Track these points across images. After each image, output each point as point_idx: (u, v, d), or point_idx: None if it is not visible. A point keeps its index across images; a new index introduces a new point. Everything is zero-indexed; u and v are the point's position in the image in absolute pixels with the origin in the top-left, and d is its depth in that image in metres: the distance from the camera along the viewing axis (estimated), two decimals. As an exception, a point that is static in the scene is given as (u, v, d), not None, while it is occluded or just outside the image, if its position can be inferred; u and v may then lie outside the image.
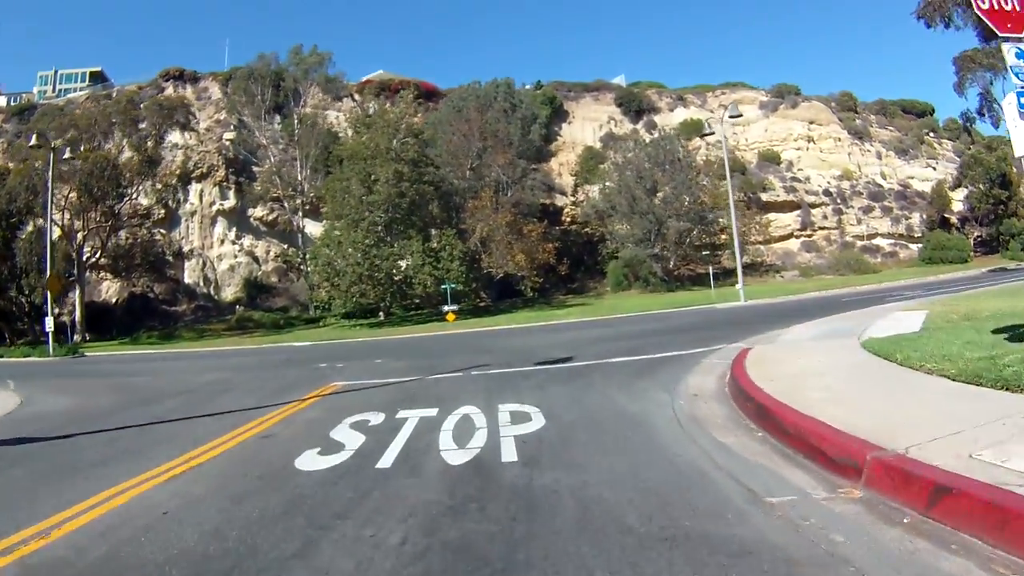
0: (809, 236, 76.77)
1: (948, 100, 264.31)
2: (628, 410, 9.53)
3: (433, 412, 10.10)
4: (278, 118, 64.45)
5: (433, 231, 50.16)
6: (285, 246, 63.40)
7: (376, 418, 9.94)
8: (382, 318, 50.47)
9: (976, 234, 78.88)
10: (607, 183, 66.53)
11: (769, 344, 14.47)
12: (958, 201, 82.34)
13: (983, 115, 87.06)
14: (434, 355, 21.59)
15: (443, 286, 44.09)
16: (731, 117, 39.68)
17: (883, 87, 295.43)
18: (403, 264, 48.74)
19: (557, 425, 8.72)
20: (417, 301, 52.37)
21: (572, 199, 73.52)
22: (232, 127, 64.57)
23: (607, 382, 12.29)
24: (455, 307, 42.56)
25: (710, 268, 50.84)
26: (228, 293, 61.79)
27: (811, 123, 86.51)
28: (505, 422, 9.01)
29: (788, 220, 75.48)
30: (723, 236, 66.90)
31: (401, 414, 10.10)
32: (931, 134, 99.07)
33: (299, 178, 60.84)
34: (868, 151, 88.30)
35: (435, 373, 15.50)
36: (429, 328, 39.38)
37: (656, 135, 68.88)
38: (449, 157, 58.38)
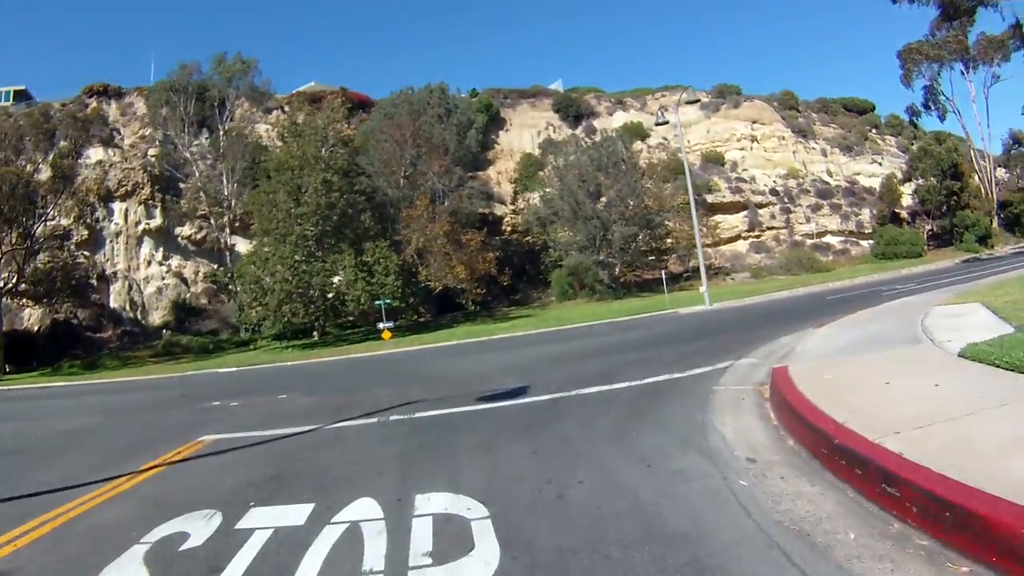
0: (758, 237, 77.17)
1: (888, 98, 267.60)
2: (652, 507, 6.01)
3: (301, 516, 6.71)
4: (206, 132, 62.41)
5: (367, 244, 48.16)
6: (215, 266, 61.00)
7: (202, 530, 6.57)
8: (316, 338, 49.40)
9: (927, 227, 78.86)
10: (548, 189, 65.14)
11: (805, 359, 11.48)
12: (908, 195, 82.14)
13: (929, 108, 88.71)
14: (355, 386, 19.16)
15: (377, 302, 41.84)
16: (687, 103, 38.04)
17: (823, 87, 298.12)
18: (336, 280, 47.07)
19: (524, 564, 5.10)
20: (352, 319, 50.67)
21: (512, 207, 72.94)
22: (157, 142, 61.92)
23: (590, 433, 9.05)
24: (391, 324, 40.64)
25: (662, 273, 50.21)
26: (156, 317, 59.71)
27: (754, 123, 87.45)
28: (422, 551, 5.51)
29: (735, 221, 75.37)
30: (669, 240, 66.77)
31: (247, 520, 6.76)
32: (874, 131, 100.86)
33: (225, 193, 59.20)
34: (813, 149, 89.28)
35: (342, 418, 12.47)
36: (364, 348, 38.12)
37: (597, 138, 66.89)
38: (381, 166, 57.32)
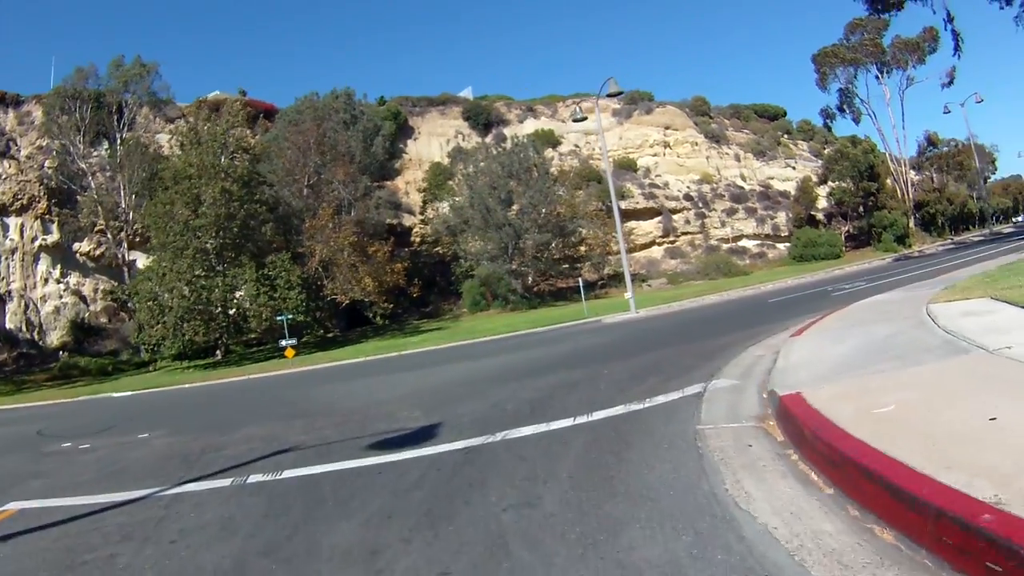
0: (672, 242, 77.71)
1: (798, 105, 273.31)
2: None
3: None
4: (106, 143, 59.54)
5: (269, 257, 46.99)
6: (115, 283, 58.23)
7: None
8: (219, 357, 47.96)
9: (844, 229, 79.79)
10: (457, 198, 64.34)
11: (812, 380, 8.62)
12: (823, 197, 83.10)
13: (843, 111, 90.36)
14: (233, 419, 16.35)
15: (279, 317, 40.39)
16: (610, 95, 36.51)
17: (735, 93, 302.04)
18: (238, 296, 45.70)
19: None
20: (257, 336, 48.87)
21: (421, 217, 72.54)
22: (54, 153, 58.97)
23: (536, 526, 5.78)
24: (294, 341, 39.48)
25: (580, 280, 48.45)
26: (54, 338, 57.08)
27: (667, 128, 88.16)
28: None
29: (649, 227, 75.53)
30: (583, 248, 66.20)
31: None
32: (786, 136, 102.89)
33: (123, 206, 56.57)
34: (726, 154, 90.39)
35: (191, 476, 9.57)
36: (266, 367, 36.80)
37: (508, 145, 65.77)
38: (284, 175, 56.01)
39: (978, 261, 33.59)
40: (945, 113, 70.56)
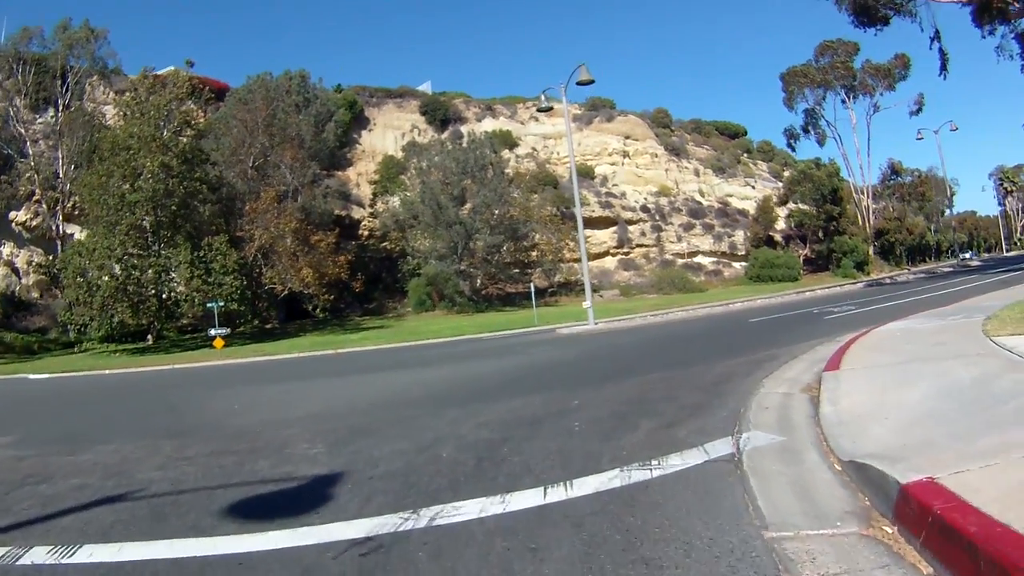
0: (627, 254, 77.08)
1: (758, 125, 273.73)
2: None
3: None
4: (52, 110, 56.12)
5: (207, 239, 43.68)
6: (51, 256, 54.94)
7: None
8: (150, 343, 46.11)
9: (803, 252, 78.86)
10: (407, 193, 62.05)
11: (932, 451, 5.47)
12: (782, 219, 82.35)
13: (808, 132, 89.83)
14: (92, 430, 13.25)
15: (209, 304, 38.27)
16: (580, 83, 33.94)
17: (696, 109, 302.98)
18: (171, 277, 42.84)
19: None
20: (186, 322, 46.48)
21: (371, 211, 70.61)
22: (-2, 117, 55.87)
23: None
24: (224, 331, 37.28)
25: (531, 286, 47.21)
26: (-19, 311, 53.33)
27: (627, 138, 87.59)
28: None
29: (604, 237, 74.40)
30: (534, 253, 63.70)
31: None
32: (746, 155, 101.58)
33: (61, 175, 53.61)
34: (686, 168, 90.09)
35: None
36: (193, 357, 35.35)
37: (465, 141, 63.84)
38: (230, 154, 53.47)
39: (973, 291, 30.52)
40: (918, 140, 69.89)
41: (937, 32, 46.44)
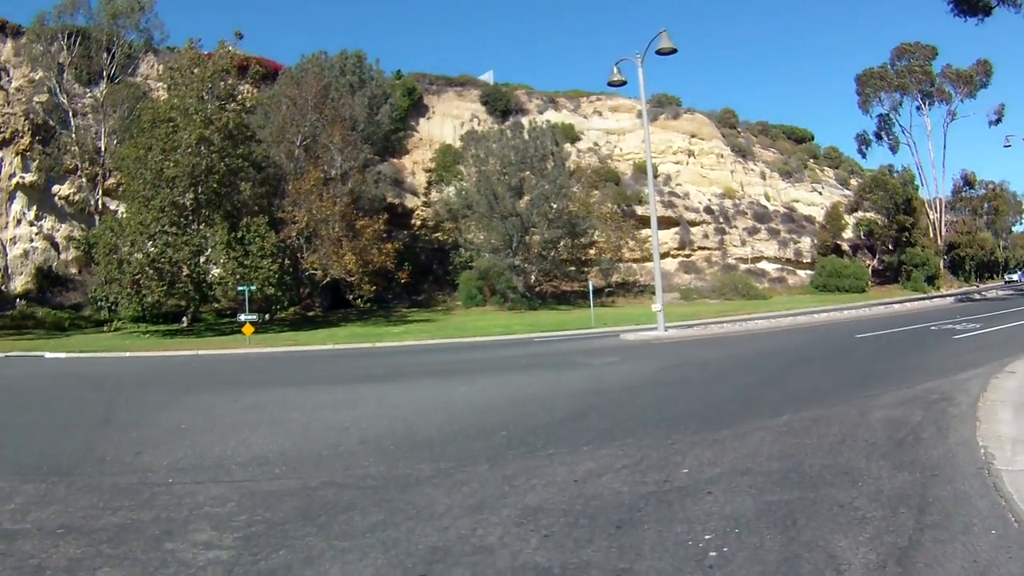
0: (688, 256, 73.39)
1: (824, 131, 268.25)
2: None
3: None
4: (103, 85, 53.82)
5: (245, 219, 41.08)
6: (89, 231, 52.44)
7: None
8: (184, 325, 43.49)
9: (870, 263, 74.93)
10: (462, 181, 58.48)
11: None
12: (850, 227, 78.62)
13: (881, 138, 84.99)
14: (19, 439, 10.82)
15: (240, 288, 35.60)
16: (659, 52, 28.60)
17: (763, 111, 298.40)
18: (203, 258, 40.14)
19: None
20: (225, 305, 43.68)
21: (424, 200, 67.51)
22: (46, 89, 53.34)
23: None
24: (253, 317, 33.95)
25: (589, 284, 42.70)
26: (18, 284, 51.89)
27: (692, 136, 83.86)
28: None
29: (665, 238, 70.45)
30: (592, 251, 60.28)
31: None
32: (812, 160, 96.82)
33: (103, 148, 51.58)
34: (752, 170, 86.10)
35: None
36: (223, 343, 33.15)
37: (526, 130, 60.37)
38: (278, 132, 49.67)
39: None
40: (1005, 147, 65.30)
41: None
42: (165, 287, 39.10)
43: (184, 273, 40.17)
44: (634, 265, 66.47)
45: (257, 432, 10.37)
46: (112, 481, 7.66)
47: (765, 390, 12.98)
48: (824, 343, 22.39)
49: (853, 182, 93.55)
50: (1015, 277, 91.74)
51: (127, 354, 29.45)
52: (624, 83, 30.59)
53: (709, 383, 14.45)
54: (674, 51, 28.08)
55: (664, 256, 71.55)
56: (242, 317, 33.90)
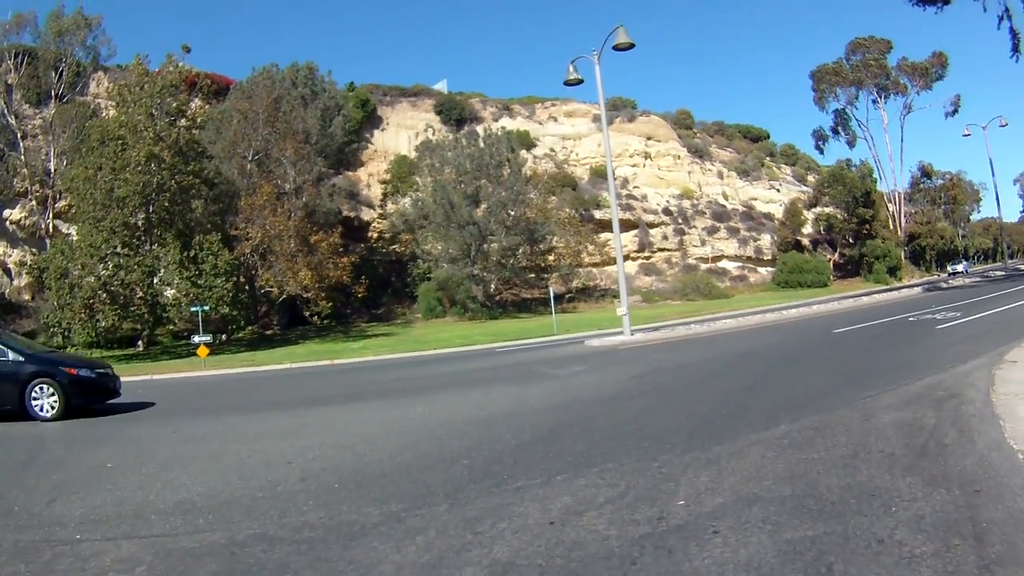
0: (648, 258, 74.12)
1: (779, 129, 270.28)
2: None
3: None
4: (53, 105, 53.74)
5: (198, 238, 40.86)
6: (41, 255, 51.84)
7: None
8: (140, 349, 42.68)
9: (831, 257, 75.69)
10: (418, 192, 58.34)
11: None
12: (810, 222, 79.35)
13: (838, 133, 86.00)
14: None
15: (193, 308, 35.61)
16: (616, 48, 28.34)
17: (718, 111, 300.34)
18: (157, 279, 39.90)
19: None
20: (182, 327, 43.61)
21: (381, 212, 67.29)
22: (-7, 110, 53.16)
23: None
24: (207, 338, 33.63)
25: (550, 291, 43.16)
26: (-31, 313, 50.40)
27: (648, 138, 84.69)
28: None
29: (625, 240, 69.59)
30: (551, 257, 60.41)
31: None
32: (769, 158, 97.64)
33: (52, 170, 51.23)
34: (709, 170, 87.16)
35: None
36: (175, 367, 32.58)
37: (481, 137, 60.37)
38: (229, 147, 49.59)
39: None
40: (965, 136, 65.83)
41: (1007, 10, 42.31)
42: (119, 311, 38.60)
43: (138, 295, 39.68)
44: (594, 269, 66.85)
45: (189, 470, 9.30)
46: (14, 539, 6.64)
47: (751, 396, 12.06)
48: (801, 340, 21.99)
49: (810, 178, 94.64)
50: (959, 268, 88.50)
51: (83, 381, 28.80)
52: (580, 81, 30.46)
53: (688, 390, 13.55)
54: (632, 46, 27.95)
55: (624, 259, 71.75)
56: (196, 339, 33.57)
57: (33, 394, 14.87)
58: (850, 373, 13.52)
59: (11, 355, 15.15)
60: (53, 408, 14.87)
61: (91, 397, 16.11)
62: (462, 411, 13.08)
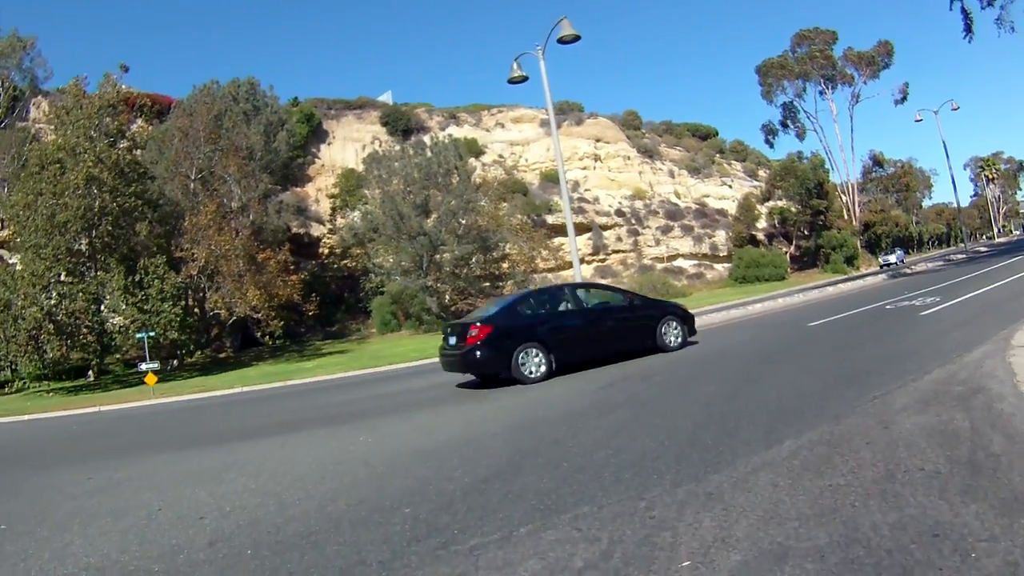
0: (603, 261, 75.16)
1: (728, 126, 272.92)
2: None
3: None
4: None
5: (143, 261, 40.82)
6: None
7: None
8: (92, 379, 42.28)
9: (787, 250, 76.52)
10: (366, 205, 58.08)
11: None
12: (764, 216, 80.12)
13: (787, 126, 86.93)
14: None
15: (139, 335, 35.27)
16: (561, 41, 27.81)
17: (666, 111, 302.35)
18: (103, 307, 40.03)
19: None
20: (134, 355, 42.71)
21: (330, 227, 67.07)
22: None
23: None
24: (155, 365, 33.25)
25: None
26: (-83, 350, 49.55)
27: (598, 141, 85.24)
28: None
29: (579, 244, 69.25)
30: (505, 264, 62.03)
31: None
32: (719, 155, 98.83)
33: (-7, 197, 50.13)
34: (660, 170, 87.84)
35: None
36: (123, 396, 31.44)
37: (428, 146, 60.18)
38: (172, 166, 49.15)
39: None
40: (917, 121, 66.41)
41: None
42: (66, 341, 37.89)
43: (84, 324, 38.94)
44: (549, 275, 66.91)
45: (87, 532, 7.88)
46: None
47: (738, 404, 10.39)
48: (776, 337, 20.65)
49: (762, 173, 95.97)
50: (892, 259, 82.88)
51: (26, 417, 28.26)
52: (525, 79, 29.95)
53: (663, 401, 11.68)
54: (577, 38, 27.35)
55: (580, 262, 71.72)
56: (143, 366, 33.06)
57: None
58: (844, 371, 12.17)
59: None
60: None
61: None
62: (409, 439, 11.59)
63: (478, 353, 16.56)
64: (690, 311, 20.27)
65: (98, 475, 11.70)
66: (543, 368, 16.54)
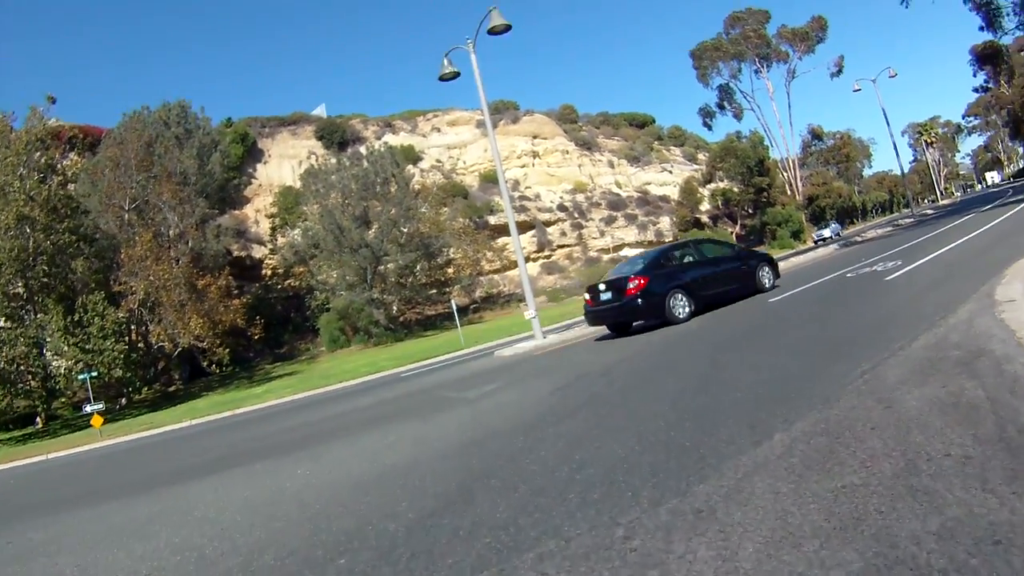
0: (548, 257, 75.48)
1: (664, 112, 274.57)
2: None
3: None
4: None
5: (81, 299, 39.64)
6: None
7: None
8: (40, 426, 40.94)
9: (732, 230, 77.22)
10: (306, 222, 57.65)
11: None
12: (707, 199, 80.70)
13: (724, 107, 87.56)
14: None
15: (81, 376, 34.69)
16: (491, 32, 27.24)
17: (601, 103, 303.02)
18: (46, 350, 38.63)
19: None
20: (76, 397, 42.12)
21: (271, 247, 66.39)
22: None
23: None
24: (100, 406, 32.36)
25: (452, 304, 45.22)
26: None
27: (535, 137, 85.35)
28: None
29: (523, 242, 69.45)
30: (450, 270, 61.56)
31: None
32: (657, 142, 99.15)
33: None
34: (599, 161, 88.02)
35: None
36: (70, 441, 30.42)
37: (364, 156, 60.02)
38: (105, 199, 48.08)
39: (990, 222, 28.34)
40: (855, 91, 66.62)
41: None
42: (10, 389, 37.02)
43: (27, 370, 38.08)
44: (496, 276, 67.26)
45: None
46: None
47: (711, 396, 8.87)
48: (737, 317, 18.37)
49: (701, 156, 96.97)
50: (826, 233, 77.91)
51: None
52: (457, 75, 29.38)
53: (627, 400, 10.15)
54: (508, 28, 26.62)
55: (525, 261, 71.68)
56: (88, 408, 32.48)
57: None
58: (822, 346, 10.81)
59: None
60: None
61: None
62: (351, 468, 10.06)
63: (639, 301, 19.40)
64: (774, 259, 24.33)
65: (19, 539, 10.34)
66: (688, 309, 19.42)
